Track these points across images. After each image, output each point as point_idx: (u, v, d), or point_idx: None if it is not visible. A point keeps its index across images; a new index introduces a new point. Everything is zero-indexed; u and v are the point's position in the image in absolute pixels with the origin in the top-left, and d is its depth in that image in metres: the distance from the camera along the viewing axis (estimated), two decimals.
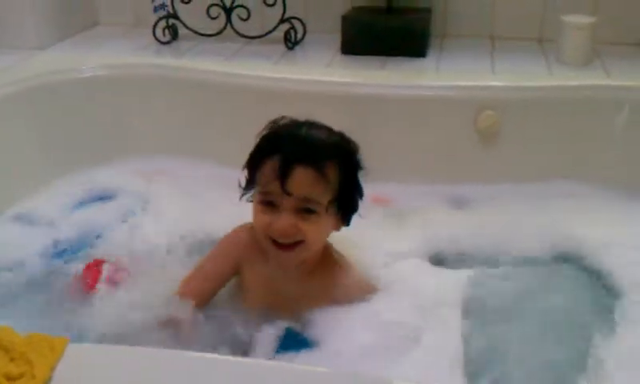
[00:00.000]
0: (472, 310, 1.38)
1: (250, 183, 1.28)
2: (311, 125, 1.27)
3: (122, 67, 2.03)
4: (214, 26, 2.19)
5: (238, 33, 2.18)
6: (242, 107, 1.93)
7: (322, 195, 1.22)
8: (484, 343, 1.29)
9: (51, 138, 1.87)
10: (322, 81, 1.90)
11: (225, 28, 2.18)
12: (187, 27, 2.22)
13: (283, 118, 1.30)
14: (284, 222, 1.21)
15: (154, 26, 2.19)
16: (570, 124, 1.75)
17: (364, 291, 1.34)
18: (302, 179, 1.19)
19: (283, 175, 1.18)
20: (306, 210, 1.22)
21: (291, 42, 2.14)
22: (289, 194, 1.20)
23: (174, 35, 2.22)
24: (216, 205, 1.75)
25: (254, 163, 1.26)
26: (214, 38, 2.20)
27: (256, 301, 1.33)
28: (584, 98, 1.75)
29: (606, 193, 1.71)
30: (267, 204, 1.23)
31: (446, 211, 1.71)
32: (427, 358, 1.25)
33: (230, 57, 2.10)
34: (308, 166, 1.20)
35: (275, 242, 1.24)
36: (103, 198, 1.83)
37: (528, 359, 1.28)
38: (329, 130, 1.28)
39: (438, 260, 1.56)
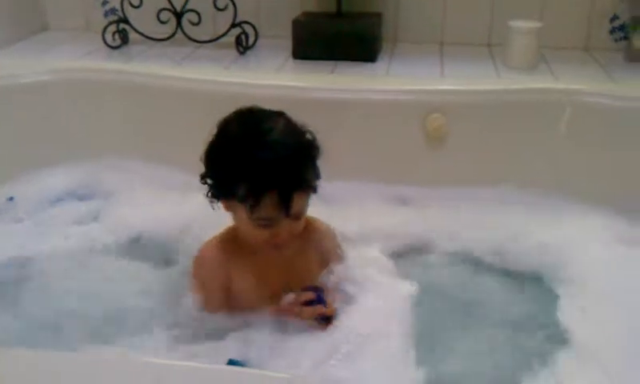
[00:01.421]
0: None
1: (230, 196, 1.26)
2: (285, 134, 1.26)
3: (70, 71, 2.00)
4: (164, 31, 2.18)
5: (188, 37, 2.17)
6: (192, 111, 1.92)
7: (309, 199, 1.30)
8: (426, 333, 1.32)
9: None
10: (272, 85, 1.90)
11: (175, 32, 2.18)
12: (137, 31, 2.20)
13: (250, 110, 1.29)
14: (286, 234, 1.27)
15: (104, 31, 2.17)
16: (516, 127, 1.77)
17: (338, 257, 1.42)
18: (300, 201, 1.26)
19: (286, 207, 1.23)
20: (297, 217, 1.28)
21: (242, 46, 2.14)
22: (288, 216, 1.25)
23: (125, 40, 2.20)
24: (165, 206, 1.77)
25: (245, 195, 1.22)
26: (164, 42, 2.19)
27: (251, 294, 1.35)
28: (530, 101, 1.78)
29: (553, 196, 1.73)
30: (262, 226, 1.25)
31: (392, 208, 1.73)
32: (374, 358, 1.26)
33: (180, 61, 2.08)
34: (303, 191, 1.26)
35: (271, 244, 1.29)
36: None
37: (469, 355, 1.31)
38: (297, 132, 1.29)
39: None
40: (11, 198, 1.81)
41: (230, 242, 1.36)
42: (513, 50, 1.99)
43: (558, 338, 1.35)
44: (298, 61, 2.08)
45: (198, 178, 1.32)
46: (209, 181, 1.30)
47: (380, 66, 2.05)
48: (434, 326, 1.39)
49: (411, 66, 2.03)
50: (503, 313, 1.47)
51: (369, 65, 2.05)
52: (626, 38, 2.11)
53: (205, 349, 1.26)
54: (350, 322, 1.31)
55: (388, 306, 1.36)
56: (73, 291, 1.49)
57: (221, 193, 1.29)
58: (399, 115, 1.80)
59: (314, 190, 1.28)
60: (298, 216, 1.28)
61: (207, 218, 1.62)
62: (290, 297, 1.31)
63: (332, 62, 2.05)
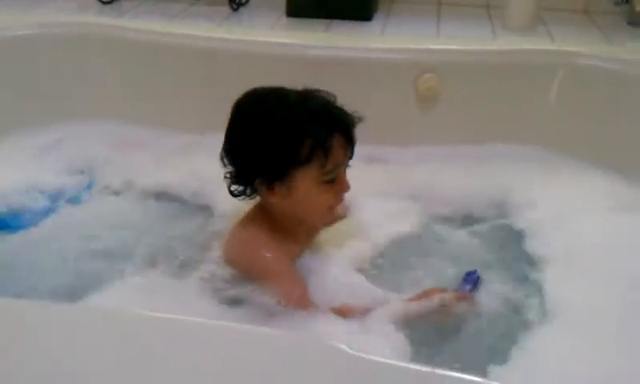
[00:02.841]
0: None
1: (294, 165, 1.22)
2: (320, 94, 1.28)
3: (59, 26, 1.97)
4: None
5: None
6: (184, 68, 1.90)
7: None
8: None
9: None
10: (266, 42, 1.87)
11: None
12: None
13: (264, 88, 1.28)
14: (348, 184, 1.28)
15: None
16: (509, 88, 1.75)
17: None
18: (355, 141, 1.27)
19: (352, 144, 1.25)
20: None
21: (236, 3, 2.10)
22: (351, 158, 1.27)
23: None
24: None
25: (311, 152, 1.21)
26: None
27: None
28: (524, 62, 1.75)
29: (546, 156, 1.72)
30: (328, 181, 1.25)
31: (380, 167, 1.72)
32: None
33: (172, 17, 2.05)
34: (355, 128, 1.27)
35: (333, 207, 1.30)
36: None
37: None
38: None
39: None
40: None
41: (265, 223, 1.31)
42: (510, 11, 1.96)
43: (542, 303, 1.32)
44: (292, 19, 2.05)
45: (236, 181, 1.28)
46: (259, 171, 1.24)
47: (375, 25, 2.01)
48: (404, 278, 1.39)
49: (407, 26, 2.00)
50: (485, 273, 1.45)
51: (364, 24, 2.01)
52: (627, 1, 2.06)
53: None
54: None
55: None
56: None
57: (280, 170, 1.22)
58: (391, 75, 1.78)
59: None
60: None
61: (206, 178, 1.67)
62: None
63: (326, 21, 2.01)
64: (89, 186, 1.75)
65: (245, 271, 1.28)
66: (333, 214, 1.33)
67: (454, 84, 1.75)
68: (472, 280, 1.33)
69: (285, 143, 1.20)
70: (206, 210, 1.61)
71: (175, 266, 1.39)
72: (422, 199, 1.64)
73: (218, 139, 1.86)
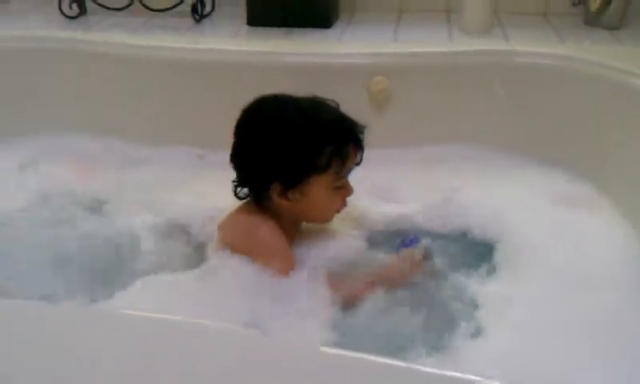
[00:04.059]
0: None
1: (311, 172, 1.30)
2: (329, 102, 1.37)
3: (24, 40, 2.01)
4: (121, 1, 2.18)
5: (145, 6, 2.17)
6: (149, 78, 1.93)
7: None
8: None
9: None
10: (226, 50, 1.91)
11: (132, 2, 2.17)
12: (94, 1, 2.20)
13: (272, 98, 1.34)
14: (352, 188, 1.37)
15: (60, 1, 2.17)
16: (460, 88, 1.78)
17: None
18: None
19: (362, 151, 1.35)
20: None
21: (198, 14, 2.14)
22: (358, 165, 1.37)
23: (82, 10, 2.20)
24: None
25: (330, 160, 1.29)
26: (122, 12, 2.19)
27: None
28: (473, 63, 1.78)
29: (496, 156, 1.74)
30: (339, 187, 1.34)
31: None
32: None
33: (136, 30, 2.09)
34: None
35: (338, 210, 1.39)
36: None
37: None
38: None
39: None
40: None
41: (261, 212, 1.36)
42: (467, 15, 1.99)
43: (484, 300, 1.33)
44: (253, 28, 2.08)
45: (248, 185, 1.35)
46: (277, 177, 1.30)
47: (334, 32, 2.04)
48: None
49: (366, 33, 2.03)
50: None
51: (323, 31, 2.04)
52: (583, 2, 2.09)
53: None
54: None
55: None
56: None
57: (299, 177, 1.30)
58: (345, 79, 1.79)
59: None
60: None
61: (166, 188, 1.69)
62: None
63: (287, 29, 2.04)
64: None
65: (242, 246, 1.32)
66: (333, 215, 1.40)
67: (405, 86, 1.77)
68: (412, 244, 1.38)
69: (305, 152, 1.28)
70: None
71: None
72: (379, 199, 1.66)
73: (182, 151, 1.93)
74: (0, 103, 1.96)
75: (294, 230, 1.42)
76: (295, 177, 1.30)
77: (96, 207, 1.67)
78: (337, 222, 1.46)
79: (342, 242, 1.44)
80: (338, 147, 1.29)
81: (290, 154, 1.28)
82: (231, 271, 1.28)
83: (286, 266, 1.30)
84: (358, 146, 1.34)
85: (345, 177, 1.35)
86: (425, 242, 1.43)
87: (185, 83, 1.92)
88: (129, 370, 0.84)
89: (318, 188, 1.31)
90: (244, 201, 1.40)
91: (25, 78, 1.99)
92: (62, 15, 2.18)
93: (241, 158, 1.33)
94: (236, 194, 1.38)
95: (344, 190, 1.36)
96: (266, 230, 1.33)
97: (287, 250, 1.34)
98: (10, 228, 1.58)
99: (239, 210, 1.40)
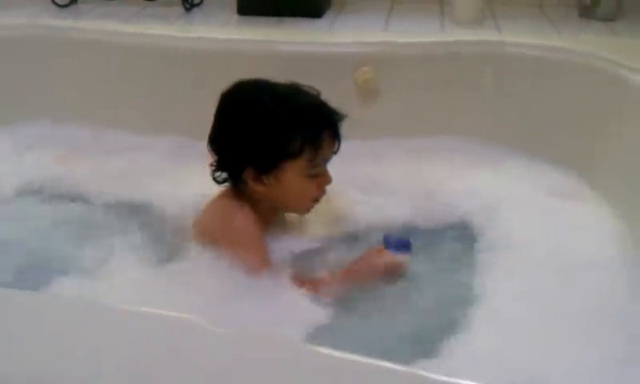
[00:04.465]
0: None
1: (284, 158, 1.29)
2: (306, 89, 1.36)
3: (15, 29, 2.01)
4: None
5: None
6: (139, 67, 1.92)
7: None
8: None
9: None
10: (214, 39, 1.90)
11: None
12: None
13: (251, 82, 1.35)
14: (330, 177, 1.36)
15: None
16: (445, 79, 1.75)
17: None
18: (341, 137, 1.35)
19: (339, 140, 1.34)
20: None
21: (189, 3, 2.12)
22: (336, 153, 1.35)
23: None
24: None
25: (302, 146, 1.29)
26: (112, 1, 2.18)
27: None
28: (462, 53, 1.75)
29: (485, 149, 1.72)
30: (314, 175, 1.32)
31: None
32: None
33: (128, 18, 2.07)
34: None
35: (315, 200, 1.37)
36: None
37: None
38: None
39: None
40: None
41: (238, 199, 1.36)
42: (458, 5, 1.96)
43: (474, 293, 1.31)
44: (243, 17, 2.07)
45: (222, 168, 1.34)
46: (249, 161, 1.30)
47: (324, 22, 2.02)
48: None
49: (356, 23, 2.01)
50: (425, 264, 1.44)
51: (314, 21, 2.02)
52: None
53: None
54: None
55: None
56: None
57: (271, 163, 1.29)
58: (332, 68, 1.77)
59: None
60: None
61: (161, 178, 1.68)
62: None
63: (277, 18, 2.03)
64: None
65: (214, 237, 1.32)
66: (312, 206, 1.38)
67: (392, 76, 1.75)
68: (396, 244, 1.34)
69: (277, 137, 1.28)
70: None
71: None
72: (365, 191, 1.64)
73: (171, 139, 1.91)
74: None
75: (272, 220, 1.41)
76: (268, 162, 1.29)
77: (75, 193, 1.65)
78: (317, 214, 1.44)
79: (318, 234, 1.43)
80: (311, 134, 1.28)
81: (263, 138, 1.28)
82: (204, 262, 1.27)
83: (256, 261, 1.28)
84: (335, 134, 1.32)
85: (321, 165, 1.33)
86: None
87: (175, 72, 1.91)
88: (115, 364, 0.81)
89: (291, 174, 1.30)
90: (225, 187, 1.39)
91: (15, 65, 1.98)
92: (53, 3, 2.16)
93: (217, 141, 1.33)
94: (214, 178, 1.37)
95: (320, 178, 1.34)
96: (240, 218, 1.32)
97: (259, 243, 1.33)
98: None
99: (219, 195, 1.40)
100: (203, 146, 1.40)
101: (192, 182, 1.61)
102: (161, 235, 1.47)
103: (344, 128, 1.74)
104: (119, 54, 1.93)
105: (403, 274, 1.33)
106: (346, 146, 1.72)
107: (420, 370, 0.80)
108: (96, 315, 0.88)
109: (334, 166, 1.71)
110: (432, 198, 1.60)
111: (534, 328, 1.22)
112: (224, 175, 1.36)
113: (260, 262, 1.28)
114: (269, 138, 1.28)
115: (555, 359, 1.13)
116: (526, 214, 1.52)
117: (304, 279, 1.30)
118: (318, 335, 1.20)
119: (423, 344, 1.18)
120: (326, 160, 1.34)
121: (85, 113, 1.96)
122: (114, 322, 0.85)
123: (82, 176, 1.73)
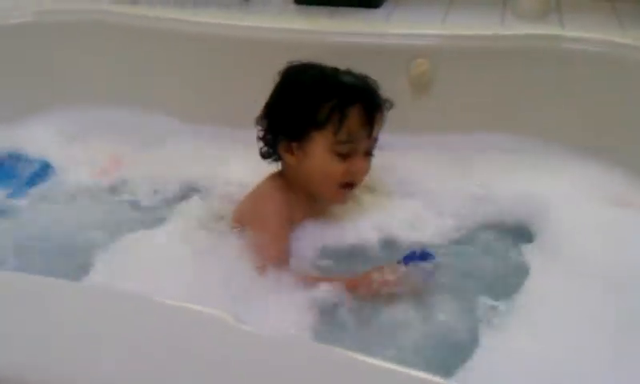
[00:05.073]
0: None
1: (311, 126, 1.31)
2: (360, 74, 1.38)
3: (75, 14, 2.02)
4: None
5: None
6: (195, 54, 1.92)
7: None
8: None
9: None
10: (270, 28, 1.88)
11: None
12: None
13: (302, 63, 1.38)
14: (366, 165, 1.35)
15: None
16: (507, 74, 1.69)
17: None
18: (378, 126, 1.34)
19: (370, 123, 1.31)
20: (368, 153, 1.36)
21: None
22: (370, 138, 1.33)
23: None
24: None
25: (328, 115, 1.29)
26: None
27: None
28: (520, 48, 1.68)
29: (541, 147, 1.65)
30: (341, 153, 1.31)
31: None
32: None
33: (185, 5, 2.07)
34: (382, 114, 1.35)
35: (343, 185, 1.34)
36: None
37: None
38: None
39: None
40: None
41: (277, 183, 1.40)
42: None
43: (520, 296, 1.26)
44: (299, 6, 2.05)
45: (263, 140, 1.38)
46: (281, 130, 1.34)
47: (382, 12, 1.99)
48: None
49: (414, 14, 1.97)
50: (471, 266, 1.39)
51: (371, 11, 1.99)
52: None
53: None
54: None
55: None
56: None
57: (299, 130, 1.32)
58: (386, 59, 1.73)
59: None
60: (373, 146, 1.35)
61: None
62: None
63: (334, 8, 2.00)
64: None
65: (247, 222, 1.34)
66: (343, 194, 1.36)
67: (448, 69, 1.69)
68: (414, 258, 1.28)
69: (305, 104, 1.30)
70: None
71: None
72: (412, 187, 1.60)
73: (223, 128, 1.90)
74: (48, 74, 1.98)
75: (312, 209, 1.40)
76: (295, 129, 1.31)
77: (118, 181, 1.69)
78: (361, 209, 1.43)
79: (355, 234, 1.40)
80: (338, 104, 1.28)
81: (294, 106, 1.31)
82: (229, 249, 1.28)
83: (271, 251, 1.28)
84: (367, 114, 1.30)
85: (347, 143, 1.30)
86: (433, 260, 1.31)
87: (231, 60, 1.89)
88: (116, 347, 0.81)
89: (318, 147, 1.31)
90: (272, 173, 1.42)
91: (73, 50, 2.00)
92: None
93: (262, 114, 1.38)
94: (260, 153, 1.41)
95: (349, 162, 1.32)
96: (270, 205, 1.34)
97: (282, 233, 1.32)
98: None
99: (263, 180, 1.43)
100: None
101: (239, 169, 1.61)
102: (203, 222, 1.46)
103: (394, 121, 1.72)
104: (176, 41, 1.94)
105: (420, 289, 1.26)
106: (396, 139, 1.71)
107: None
108: (128, 305, 0.88)
109: (380, 160, 1.69)
110: (484, 198, 1.55)
111: (573, 340, 1.16)
112: (265, 149, 1.40)
113: (275, 253, 1.28)
114: (299, 105, 1.31)
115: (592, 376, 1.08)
116: (584, 220, 1.44)
117: (310, 279, 1.27)
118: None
119: (456, 347, 1.16)
120: (354, 139, 1.31)
121: (140, 99, 1.97)
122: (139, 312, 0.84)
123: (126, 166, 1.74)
